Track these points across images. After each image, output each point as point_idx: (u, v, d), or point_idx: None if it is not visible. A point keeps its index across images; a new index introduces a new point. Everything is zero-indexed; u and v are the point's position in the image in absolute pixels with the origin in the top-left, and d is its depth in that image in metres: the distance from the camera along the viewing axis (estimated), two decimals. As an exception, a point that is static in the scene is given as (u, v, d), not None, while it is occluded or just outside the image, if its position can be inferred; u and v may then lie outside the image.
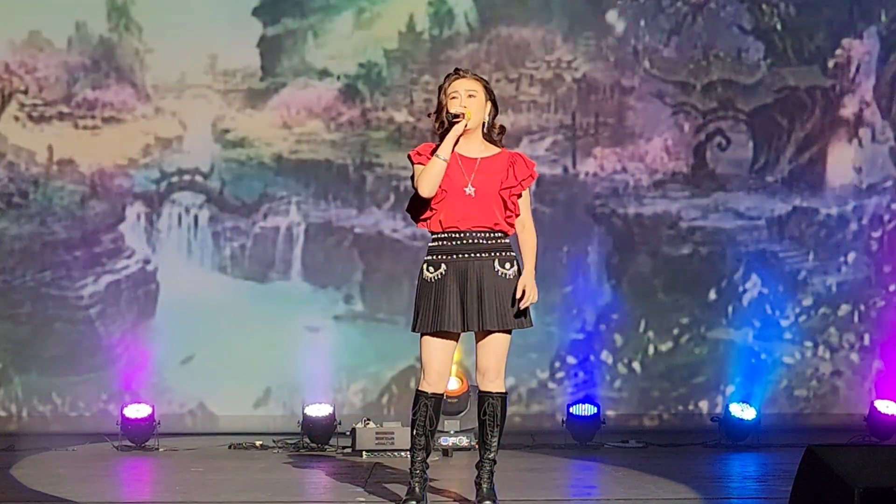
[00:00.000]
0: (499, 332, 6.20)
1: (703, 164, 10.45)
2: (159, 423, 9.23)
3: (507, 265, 6.21)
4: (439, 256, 6.21)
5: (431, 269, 6.22)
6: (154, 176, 10.26)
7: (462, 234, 6.19)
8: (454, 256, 6.19)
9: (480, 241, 6.20)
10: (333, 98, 10.33)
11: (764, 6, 10.43)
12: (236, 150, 10.30)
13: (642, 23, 10.40)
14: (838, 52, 10.46)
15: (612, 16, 10.34)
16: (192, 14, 10.23)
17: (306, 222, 10.30)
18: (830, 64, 10.46)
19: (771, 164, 10.47)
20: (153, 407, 9.25)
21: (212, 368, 10.11)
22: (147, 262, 10.24)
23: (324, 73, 10.32)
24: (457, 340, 6.27)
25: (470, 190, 6.20)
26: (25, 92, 10.20)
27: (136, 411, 9.18)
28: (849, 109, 10.47)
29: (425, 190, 6.15)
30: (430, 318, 6.16)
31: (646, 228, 10.41)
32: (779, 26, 10.45)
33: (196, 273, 10.25)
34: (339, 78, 10.32)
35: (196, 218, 10.28)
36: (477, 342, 6.27)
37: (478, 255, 6.19)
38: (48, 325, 10.18)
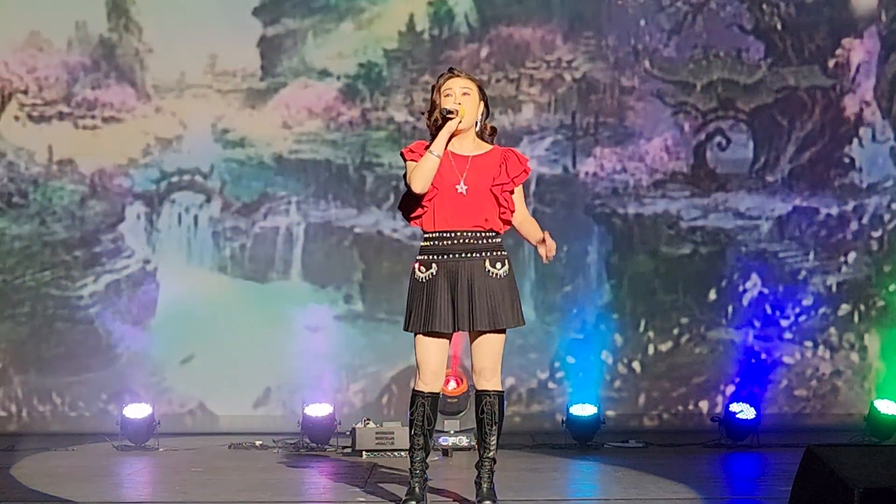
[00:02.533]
0: (492, 331, 6.20)
1: (703, 164, 10.45)
2: (159, 423, 9.23)
3: (499, 265, 6.21)
4: (430, 256, 6.21)
5: (423, 268, 6.22)
6: (154, 176, 10.26)
7: (453, 234, 6.19)
8: (445, 256, 6.18)
9: (471, 240, 6.19)
10: (333, 98, 10.33)
11: (764, 6, 10.43)
12: (236, 150, 10.30)
13: (642, 23, 10.40)
14: (838, 51, 10.46)
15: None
16: (192, 14, 10.23)
17: (306, 222, 10.30)
18: (831, 64, 10.46)
19: (771, 164, 10.47)
20: (153, 407, 9.25)
21: (212, 368, 10.11)
22: (147, 262, 10.24)
23: (324, 73, 10.32)
24: (450, 339, 6.26)
25: (462, 188, 6.19)
26: (25, 92, 10.20)
27: (136, 411, 9.19)
28: (849, 109, 10.47)
29: (418, 186, 6.14)
30: (421, 318, 6.17)
31: (646, 228, 10.41)
32: (779, 26, 10.45)
33: (196, 273, 10.25)
34: (339, 78, 10.32)
35: (196, 218, 10.28)
36: (471, 342, 6.26)
37: (468, 254, 6.18)
38: (48, 325, 10.18)
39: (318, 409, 9.18)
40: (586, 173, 10.40)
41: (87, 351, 10.15)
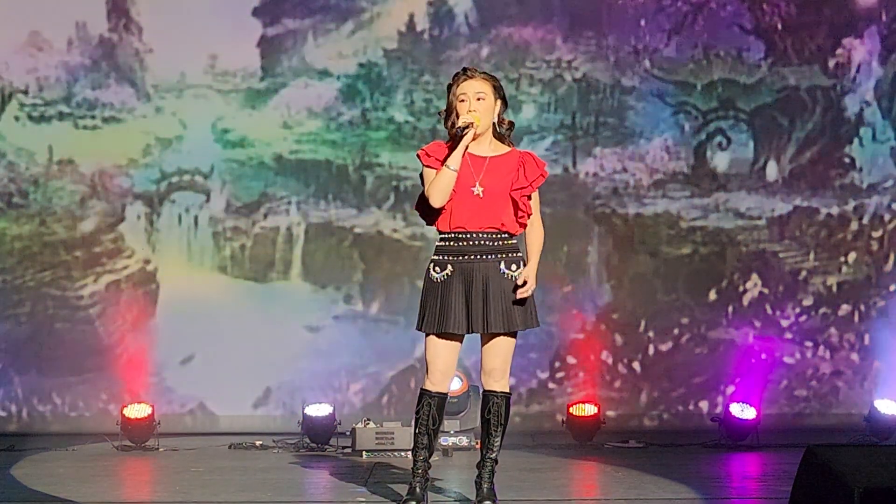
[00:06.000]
0: (504, 333, 6.19)
1: (704, 164, 10.45)
2: (159, 423, 9.23)
3: (514, 266, 6.19)
4: (446, 257, 6.20)
5: (438, 269, 6.21)
6: (154, 176, 10.26)
7: (468, 235, 6.18)
8: (460, 258, 6.17)
9: (487, 242, 6.18)
10: (333, 98, 10.33)
11: (764, 6, 10.43)
12: (236, 150, 10.30)
13: (642, 23, 10.40)
14: (839, 51, 10.46)
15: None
16: (192, 14, 10.22)
17: (306, 222, 10.30)
18: (831, 63, 10.46)
19: (771, 165, 10.46)
20: (153, 407, 9.25)
21: (212, 368, 10.11)
22: (147, 262, 10.24)
23: (324, 73, 10.32)
24: (461, 341, 6.26)
25: (478, 190, 6.18)
26: (25, 92, 10.20)
27: (136, 411, 9.19)
28: (849, 109, 10.47)
29: (436, 201, 6.14)
30: (435, 318, 6.16)
31: (646, 228, 10.41)
32: (779, 26, 10.45)
33: (196, 273, 10.25)
34: (339, 78, 10.32)
35: (196, 218, 10.28)
36: (482, 343, 6.25)
37: (484, 256, 6.17)
38: (48, 325, 10.18)
39: (318, 409, 9.18)
40: (586, 173, 10.40)
41: (87, 351, 10.15)
